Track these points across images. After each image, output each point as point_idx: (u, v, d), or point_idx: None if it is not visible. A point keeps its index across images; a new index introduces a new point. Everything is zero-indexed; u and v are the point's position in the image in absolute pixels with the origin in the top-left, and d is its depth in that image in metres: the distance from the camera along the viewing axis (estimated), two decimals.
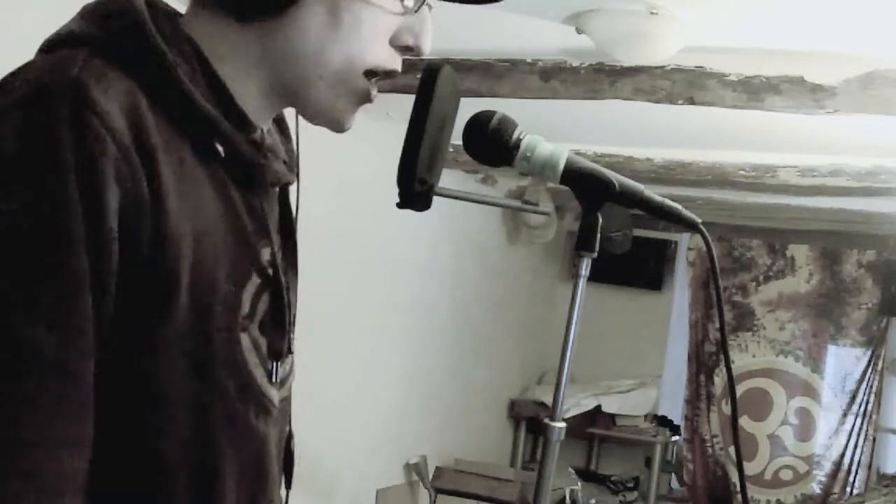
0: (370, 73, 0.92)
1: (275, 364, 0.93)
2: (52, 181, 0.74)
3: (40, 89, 0.77)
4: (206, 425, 0.86)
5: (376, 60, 0.92)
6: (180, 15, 0.91)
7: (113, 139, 0.76)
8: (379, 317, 4.56)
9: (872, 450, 5.90)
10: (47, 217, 0.74)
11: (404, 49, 0.93)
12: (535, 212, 5.11)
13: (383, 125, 3.79)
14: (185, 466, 0.84)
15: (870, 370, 5.90)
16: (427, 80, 1.00)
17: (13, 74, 0.81)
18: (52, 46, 0.85)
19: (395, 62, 0.93)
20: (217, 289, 0.85)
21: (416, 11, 0.92)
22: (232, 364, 0.87)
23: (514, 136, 1.03)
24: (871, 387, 5.90)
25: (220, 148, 0.87)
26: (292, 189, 1.05)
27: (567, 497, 4.89)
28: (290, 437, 1.04)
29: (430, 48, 0.94)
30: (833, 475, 5.95)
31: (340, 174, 3.94)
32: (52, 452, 0.74)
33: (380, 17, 0.90)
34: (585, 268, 1.03)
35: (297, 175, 1.03)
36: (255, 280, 0.90)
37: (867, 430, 5.88)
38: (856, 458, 5.89)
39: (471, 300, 5.49)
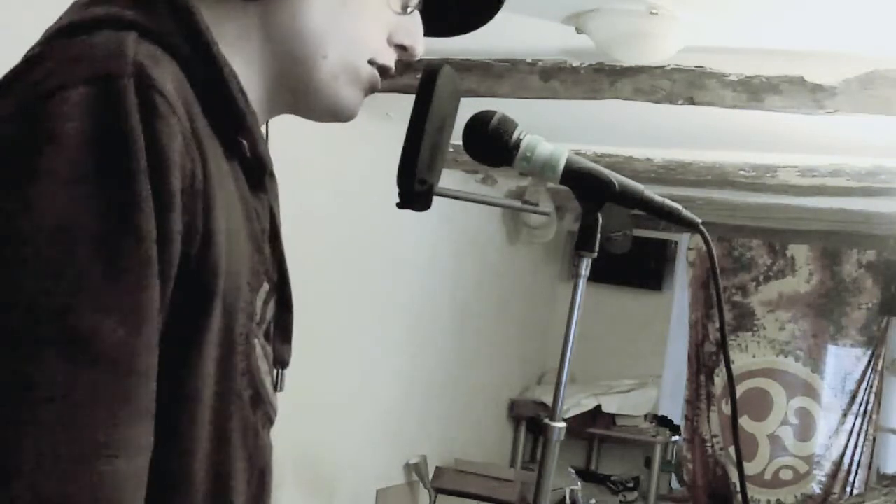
0: (370, 63, 0.92)
1: (280, 372, 0.93)
2: (125, 166, 0.69)
3: (104, 67, 0.72)
4: (225, 435, 0.84)
5: (376, 51, 0.92)
6: None
7: (179, 124, 0.73)
8: (379, 317, 4.56)
9: (872, 450, 5.90)
10: (119, 205, 0.69)
11: (399, 48, 0.94)
12: (535, 212, 5.11)
13: (383, 125, 3.79)
14: (205, 478, 0.83)
15: (870, 370, 5.90)
16: (427, 80, 1.00)
17: (52, 50, 0.76)
18: (91, 27, 0.78)
19: (391, 58, 0.94)
20: (241, 293, 0.83)
21: (410, 13, 0.93)
22: (248, 372, 0.86)
23: (514, 136, 1.03)
24: (871, 387, 5.90)
25: (245, 144, 0.87)
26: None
27: (567, 497, 4.89)
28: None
29: (423, 52, 0.94)
30: (833, 475, 5.95)
31: (340, 174, 3.95)
32: (115, 456, 0.69)
33: (383, 9, 0.91)
34: (585, 268, 1.03)
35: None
36: (266, 286, 0.89)
37: (867, 430, 5.88)
38: (856, 458, 5.89)
39: (471, 300, 5.49)
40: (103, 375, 0.68)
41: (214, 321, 0.79)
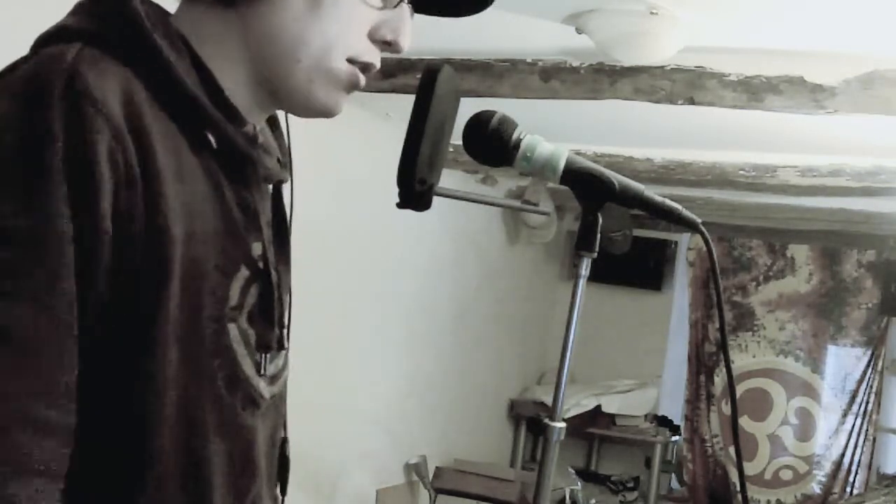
0: (349, 62, 0.93)
1: (263, 356, 0.94)
2: (42, 180, 0.75)
3: (33, 78, 0.78)
4: (196, 415, 0.86)
5: (354, 50, 0.93)
6: (170, 14, 0.93)
7: (107, 122, 0.77)
8: (379, 317, 4.56)
9: (872, 450, 5.89)
10: (36, 217, 0.75)
11: (382, 44, 0.94)
12: (535, 212, 5.11)
13: (383, 125, 3.79)
14: (175, 455, 0.85)
15: (870, 370, 5.90)
16: (427, 80, 1.00)
17: (4, 70, 0.82)
18: (45, 42, 0.85)
19: (372, 55, 0.94)
20: (207, 278, 0.86)
21: (395, 7, 0.93)
22: (220, 354, 0.88)
23: (514, 136, 1.03)
24: (871, 387, 5.89)
25: (211, 138, 0.89)
26: (286, 188, 1.05)
27: (567, 497, 4.89)
28: (284, 440, 1.04)
29: (409, 46, 0.95)
30: (833, 475, 5.95)
31: (340, 174, 3.95)
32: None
33: (359, 7, 0.92)
34: (585, 268, 1.03)
35: (291, 173, 1.04)
36: (244, 272, 0.91)
37: (867, 430, 5.88)
38: (856, 458, 5.89)
39: (471, 300, 5.49)
40: (22, 352, 0.74)
41: (170, 305, 0.82)
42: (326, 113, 0.96)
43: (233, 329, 0.89)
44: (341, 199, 3.97)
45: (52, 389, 0.75)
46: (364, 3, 0.91)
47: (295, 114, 0.97)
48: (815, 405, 6.04)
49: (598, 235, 1.01)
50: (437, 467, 4.99)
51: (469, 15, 1.03)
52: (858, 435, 5.89)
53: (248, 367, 0.91)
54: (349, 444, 4.40)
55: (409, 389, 4.95)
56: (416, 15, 0.98)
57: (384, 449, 4.76)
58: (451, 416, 5.46)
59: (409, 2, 0.95)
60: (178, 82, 0.85)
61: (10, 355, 0.73)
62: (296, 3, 0.89)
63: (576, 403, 5.89)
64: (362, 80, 0.94)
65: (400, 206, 1.04)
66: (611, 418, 6.21)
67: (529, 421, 6.16)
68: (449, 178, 4.80)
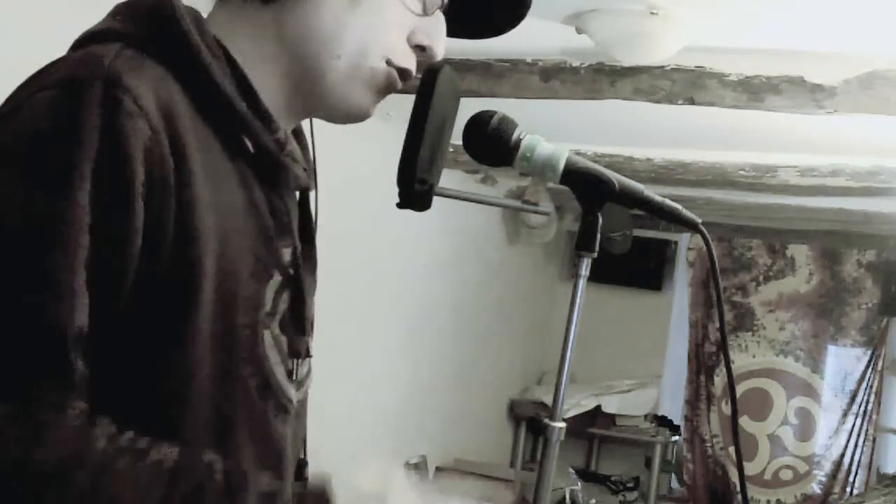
0: (388, 64, 0.94)
1: (295, 363, 0.94)
2: (72, 174, 0.74)
3: (73, 75, 0.78)
4: (228, 421, 0.86)
5: (391, 50, 0.93)
6: (203, 18, 0.93)
7: (145, 122, 0.77)
8: (379, 317, 4.56)
9: (872, 450, 5.89)
10: (59, 207, 0.74)
11: (419, 49, 0.95)
12: (535, 212, 5.11)
13: (383, 125, 3.78)
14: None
15: (870, 370, 5.89)
16: (427, 80, 1.00)
17: (44, 67, 0.82)
18: (83, 44, 0.85)
19: (409, 59, 0.95)
20: (240, 284, 0.85)
21: (432, 14, 0.94)
22: (254, 361, 0.87)
23: (514, 136, 1.03)
24: (871, 387, 5.89)
25: (248, 143, 0.89)
26: (311, 197, 1.06)
27: (567, 497, 4.88)
28: (304, 464, 1.03)
29: (443, 53, 0.95)
30: (833, 475, 5.94)
31: (340, 174, 3.94)
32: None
33: (399, 10, 0.92)
34: (585, 268, 1.02)
35: (315, 183, 1.04)
36: (277, 278, 0.90)
37: (867, 430, 5.87)
38: (856, 458, 5.88)
39: (471, 300, 5.49)
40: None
41: (203, 309, 0.81)
42: (359, 114, 0.96)
43: (267, 336, 0.88)
44: (341, 199, 3.97)
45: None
46: (404, 8, 0.92)
47: (328, 117, 0.97)
48: (815, 405, 6.04)
49: (598, 235, 1.01)
50: (437, 467, 4.99)
51: (497, 35, 1.04)
52: (858, 435, 5.89)
53: (280, 374, 0.91)
54: (349, 444, 4.40)
55: (408, 389, 4.95)
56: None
57: (384, 449, 4.76)
58: (451, 416, 5.46)
59: (444, 12, 0.95)
60: (217, 86, 0.85)
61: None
62: (334, 0, 0.89)
63: (576, 403, 5.88)
64: (399, 83, 0.95)
65: (400, 206, 1.04)
66: (611, 418, 6.21)
67: (529, 421, 6.16)
68: (449, 178, 4.82)
